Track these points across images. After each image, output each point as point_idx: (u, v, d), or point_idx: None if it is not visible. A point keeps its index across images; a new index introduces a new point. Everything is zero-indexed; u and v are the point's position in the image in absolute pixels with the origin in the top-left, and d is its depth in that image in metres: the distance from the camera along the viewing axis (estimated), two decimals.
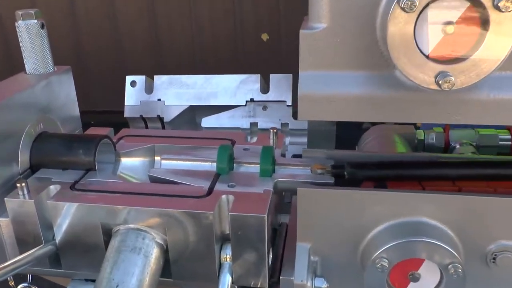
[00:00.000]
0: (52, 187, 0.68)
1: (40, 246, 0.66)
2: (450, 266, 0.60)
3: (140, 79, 1.03)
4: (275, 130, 0.79)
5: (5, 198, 0.65)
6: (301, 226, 0.65)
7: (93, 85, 3.27)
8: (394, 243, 0.62)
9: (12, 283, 0.79)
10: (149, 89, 1.03)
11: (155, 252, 0.62)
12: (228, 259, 0.63)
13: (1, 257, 0.70)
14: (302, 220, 0.65)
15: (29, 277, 0.80)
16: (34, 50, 0.78)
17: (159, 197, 0.64)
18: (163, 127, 1.04)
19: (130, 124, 1.06)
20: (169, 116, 1.02)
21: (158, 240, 0.63)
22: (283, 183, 0.67)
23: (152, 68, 3.16)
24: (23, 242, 0.68)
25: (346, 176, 0.65)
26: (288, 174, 0.68)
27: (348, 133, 1.03)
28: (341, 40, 0.54)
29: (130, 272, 0.59)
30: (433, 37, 0.49)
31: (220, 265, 0.64)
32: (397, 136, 0.88)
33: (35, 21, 0.77)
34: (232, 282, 0.63)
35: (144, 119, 1.04)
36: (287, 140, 0.98)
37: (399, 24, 0.48)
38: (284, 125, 0.98)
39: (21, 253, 0.67)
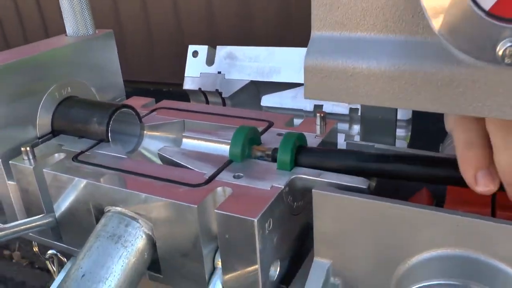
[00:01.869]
0: (56, 155, 0.62)
1: (39, 216, 0.62)
2: None
3: (202, 49, 0.94)
4: (322, 114, 0.64)
5: (10, 162, 0.62)
6: (319, 238, 0.51)
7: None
8: (436, 283, 0.44)
9: (36, 248, 0.77)
10: (210, 60, 0.94)
11: (138, 243, 0.53)
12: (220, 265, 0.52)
13: (13, 220, 0.68)
14: (319, 231, 0.50)
15: None
16: (73, 10, 0.73)
17: (152, 181, 0.54)
18: (223, 102, 0.95)
19: (190, 97, 0.99)
20: (229, 91, 0.92)
21: (146, 230, 0.54)
22: (301, 181, 0.53)
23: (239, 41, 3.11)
24: (28, 209, 0.64)
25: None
26: (315, 171, 0.54)
27: None
28: None
29: (101, 263, 0.51)
30: None
31: (214, 269, 0.53)
32: None
33: None
34: None
35: (203, 93, 0.95)
36: (355, 128, 0.82)
37: None
38: (354, 110, 0.81)
39: None
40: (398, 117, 0.73)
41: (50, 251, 0.78)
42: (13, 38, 4.24)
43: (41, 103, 0.67)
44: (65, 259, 0.78)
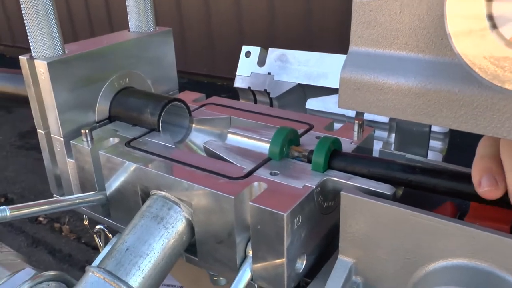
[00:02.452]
0: (111, 139, 0.69)
1: (92, 193, 0.69)
2: None
3: (254, 50, 0.99)
4: (360, 122, 0.67)
5: (70, 141, 0.69)
6: (344, 238, 0.54)
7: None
8: None
9: (86, 222, 0.84)
10: (261, 61, 0.98)
11: (178, 226, 0.58)
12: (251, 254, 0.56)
13: (70, 194, 0.75)
14: (345, 231, 0.54)
15: None
16: (137, 7, 0.80)
17: (196, 171, 0.59)
18: (271, 102, 0.99)
19: (240, 95, 1.03)
20: (277, 91, 0.96)
21: (186, 215, 0.59)
22: (332, 183, 0.56)
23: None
24: (83, 186, 0.71)
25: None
26: (346, 175, 0.57)
27: None
28: (403, 12, 0.41)
29: (144, 240, 0.57)
30: None
31: (245, 257, 0.57)
32: None
33: None
34: (252, 279, 0.56)
35: (253, 92, 1.00)
36: (394, 137, 0.83)
37: None
38: (393, 119, 0.83)
39: None
40: (436, 129, 0.75)
41: (98, 226, 0.85)
42: (81, 31, 4.49)
43: (102, 91, 0.74)
44: (111, 235, 0.86)
